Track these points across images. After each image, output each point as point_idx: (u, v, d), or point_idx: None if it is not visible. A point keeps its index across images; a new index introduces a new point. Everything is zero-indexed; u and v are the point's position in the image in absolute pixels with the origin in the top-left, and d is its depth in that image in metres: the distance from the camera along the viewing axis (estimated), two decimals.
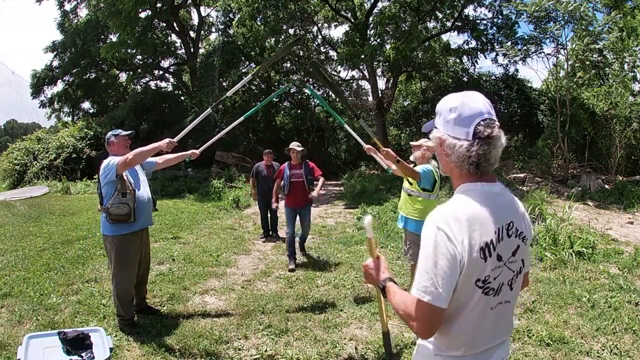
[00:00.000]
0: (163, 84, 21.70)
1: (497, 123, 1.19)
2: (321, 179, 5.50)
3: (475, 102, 1.20)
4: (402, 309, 1.18)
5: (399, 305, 1.21)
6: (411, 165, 3.80)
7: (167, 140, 3.32)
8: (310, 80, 19.84)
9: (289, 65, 20.85)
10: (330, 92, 20.74)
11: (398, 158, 3.40)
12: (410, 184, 3.76)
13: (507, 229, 1.20)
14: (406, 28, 15.49)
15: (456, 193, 1.23)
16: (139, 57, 19.29)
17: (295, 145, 5.33)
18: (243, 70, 19.70)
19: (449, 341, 1.21)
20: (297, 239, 5.51)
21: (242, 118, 4.41)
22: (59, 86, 20.08)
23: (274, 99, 20.21)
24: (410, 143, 4.10)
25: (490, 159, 1.19)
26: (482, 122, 1.17)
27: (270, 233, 6.95)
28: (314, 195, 5.33)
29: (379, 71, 18.13)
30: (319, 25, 19.60)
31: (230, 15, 19.19)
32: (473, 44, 16.37)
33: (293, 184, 5.23)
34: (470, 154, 1.17)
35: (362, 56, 14.16)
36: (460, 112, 1.18)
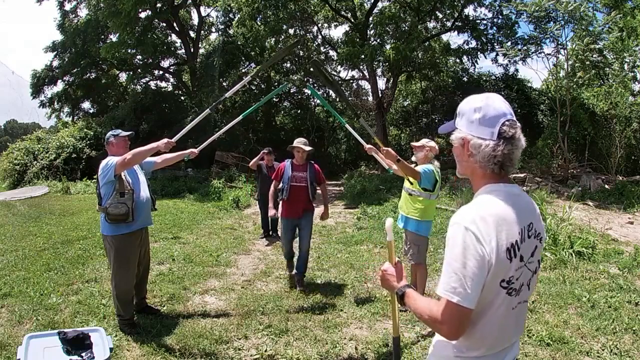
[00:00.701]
0: (163, 84, 21.72)
1: (518, 124, 1.22)
2: (325, 191, 4.67)
3: (498, 103, 1.22)
4: (428, 313, 1.17)
5: (423, 310, 1.20)
6: (412, 165, 3.80)
7: (165, 140, 3.32)
8: (311, 80, 19.84)
9: (289, 65, 20.84)
10: (331, 92, 20.79)
11: (398, 157, 3.40)
12: (411, 183, 3.77)
13: (528, 229, 1.22)
14: (406, 28, 15.50)
15: (480, 194, 1.24)
16: (139, 57, 19.27)
17: (301, 144, 4.35)
18: (243, 70, 19.69)
19: (472, 342, 1.21)
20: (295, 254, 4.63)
21: (240, 117, 4.41)
22: (59, 86, 20.12)
23: (274, 99, 20.21)
24: (412, 144, 4.08)
25: (513, 159, 1.21)
26: (506, 123, 1.19)
27: (271, 233, 6.95)
28: (325, 218, 4.55)
29: (379, 71, 18.15)
30: (319, 25, 19.61)
31: (230, 15, 19.19)
32: (473, 44, 16.40)
33: (294, 189, 4.32)
34: (496, 153, 1.18)
35: (362, 56, 14.17)
36: (485, 112, 1.20)
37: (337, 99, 20.47)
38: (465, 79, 17.71)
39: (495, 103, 1.21)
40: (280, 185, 4.44)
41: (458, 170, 1.34)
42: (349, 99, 20.39)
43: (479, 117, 1.21)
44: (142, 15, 16.45)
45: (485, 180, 1.24)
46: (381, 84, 19.44)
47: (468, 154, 1.24)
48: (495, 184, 1.23)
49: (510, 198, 1.21)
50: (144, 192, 3.41)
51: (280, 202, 4.50)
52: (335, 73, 20.81)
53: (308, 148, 4.39)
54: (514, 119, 1.21)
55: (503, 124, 1.18)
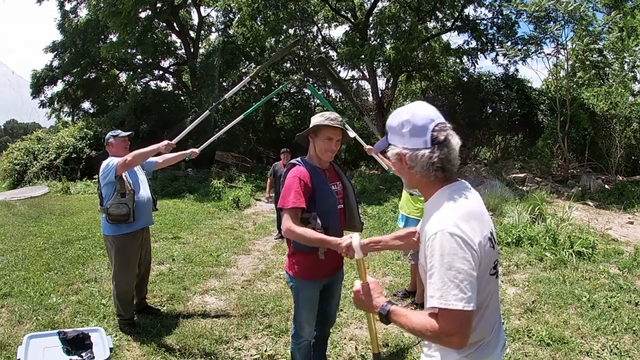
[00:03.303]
0: (163, 84, 21.68)
1: (448, 125, 1.23)
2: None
3: (423, 110, 1.24)
4: (429, 329, 1.12)
5: (421, 325, 1.15)
6: None
7: (165, 142, 3.34)
8: (311, 80, 19.82)
9: (289, 65, 20.84)
10: (332, 92, 20.79)
11: None
12: None
13: (489, 216, 1.29)
14: (406, 28, 15.48)
15: (441, 199, 1.23)
16: (139, 57, 19.25)
17: (338, 122, 2.24)
18: (243, 70, 19.67)
19: (480, 332, 1.22)
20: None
21: (241, 116, 4.40)
22: (59, 86, 20.07)
23: (274, 98, 20.21)
24: None
25: (452, 160, 1.22)
26: (436, 128, 1.20)
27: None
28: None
29: (379, 71, 18.12)
30: (319, 25, 19.59)
31: (230, 15, 19.17)
32: (473, 44, 16.34)
33: (334, 216, 2.28)
34: (433, 160, 1.19)
35: (362, 56, 14.14)
36: (413, 123, 1.21)
37: (338, 99, 20.47)
38: (465, 79, 17.65)
39: (420, 111, 1.23)
40: (314, 220, 2.16)
41: (405, 184, 1.35)
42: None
43: (408, 130, 1.21)
44: (142, 15, 16.42)
45: (435, 185, 1.25)
46: (381, 84, 19.42)
47: (408, 167, 1.25)
48: (449, 184, 1.24)
49: (469, 193, 1.24)
50: (145, 192, 3.42)
51: (297, 255, 2.29)
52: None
53: (353, 133, 2.64)
54: (443, 121, 1.22)
55: (433, 130, 1.19)
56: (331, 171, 2.39)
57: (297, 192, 2.12)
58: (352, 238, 1.54)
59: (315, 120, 2.28)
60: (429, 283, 1.14)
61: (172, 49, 19.81)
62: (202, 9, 19.63)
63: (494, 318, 1.27)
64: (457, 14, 15.84)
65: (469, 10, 16.36)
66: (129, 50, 17.54)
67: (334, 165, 2.46)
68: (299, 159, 2.34)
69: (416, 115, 1.21)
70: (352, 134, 2.54)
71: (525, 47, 12.64)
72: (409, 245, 1.76)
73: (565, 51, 11.30)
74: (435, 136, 1.19)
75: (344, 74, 22.03)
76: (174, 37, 19.72)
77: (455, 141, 1.22)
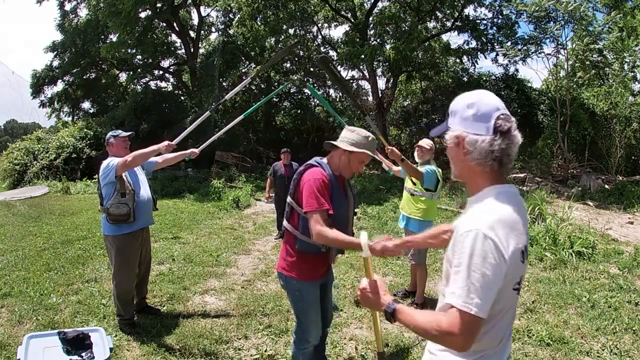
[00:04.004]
0: (163, 84, 21.70)
1: (513, 118, 1.19)
2: None
3: (491, 97, 1.20)
4: (436, 328, 1.11)
5: (427, 324, 1.14)
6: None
7: (165, 143, 3.34)
8: (311, 80, 19.82)
9: (289, 65, 20.84)
10: (332, 91, 20.79)
11: (402, 157, 3.40)
12: (414, 184, 3.77)
13: (527, 229, 1.22)
14: (406, 28, 15.50)
15: (487, 196, 1.19)
16: (139, 57, 19.27)
17: (373, 146, 2.34)
18: (243, 70, 19.67)
19: (483, 343, 1.20)
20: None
21: (241, 116, 4.40)
22: (59, 86, 20.07)
23: (274, 99, 20.22)
24: (420, 143, 3.97)
25: (511, 155, 1.18)
26: (501, 117, 1.16)
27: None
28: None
29: (379, 71, 18.13)
30: (319, 25, 19.60)
31: (230, 15, 19.18)
32: (473, 44, 16.37)
33: (342, 223, 2.27)
34: (493, 148, 1.15)
35: (362, 56, 14.15)
36: (478, 107, 1.17)
37: (338, 99, 20.46)
38: (465, 79, 17.66)
39: (487, 98, 1.20)
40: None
41: (454, 173, 1.29)
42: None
43: (472, 113, 1.18)
44: (142, 15, 16.43)
45: (486, 180, 1.21)
46: (381, 84, 19.43)
47: (464, 152, 1.20)
48: (498, 185, 1.20)
49: (515, 200, 1.19)
50: (145, 192, 3.42)
51: (302, 257, 2.29)
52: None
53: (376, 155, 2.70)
54: (508, 113, 1.19)
55: (498, 118, 1.15)
56: (341, 180, 2.38)
57: (324, 194, 2.15)
58: (361, 236, 1.53)
59: (354, 139, 2.25)
60: (453, 279, 1.12)
61: (172, 49, 19.82)
62: (202, 9, 19.63)
63: (503, 332, 1.23)
64: (457, 14, 15.86)
65: (469, 10, 16.40)
66: (129, 50, 17.55)
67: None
68: (318, 160, 2.33)
69: (482, 101, 1.18)
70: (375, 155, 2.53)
71: (525, 47, 12.66)
72: (442, 243, 1.72)
73: (565, 51, 11.31)
74: (500, 125, 1.15)
75: (344, 74, 22.02)
76: (174, 37, 19.73)
77: (518, 138, 1.18)
